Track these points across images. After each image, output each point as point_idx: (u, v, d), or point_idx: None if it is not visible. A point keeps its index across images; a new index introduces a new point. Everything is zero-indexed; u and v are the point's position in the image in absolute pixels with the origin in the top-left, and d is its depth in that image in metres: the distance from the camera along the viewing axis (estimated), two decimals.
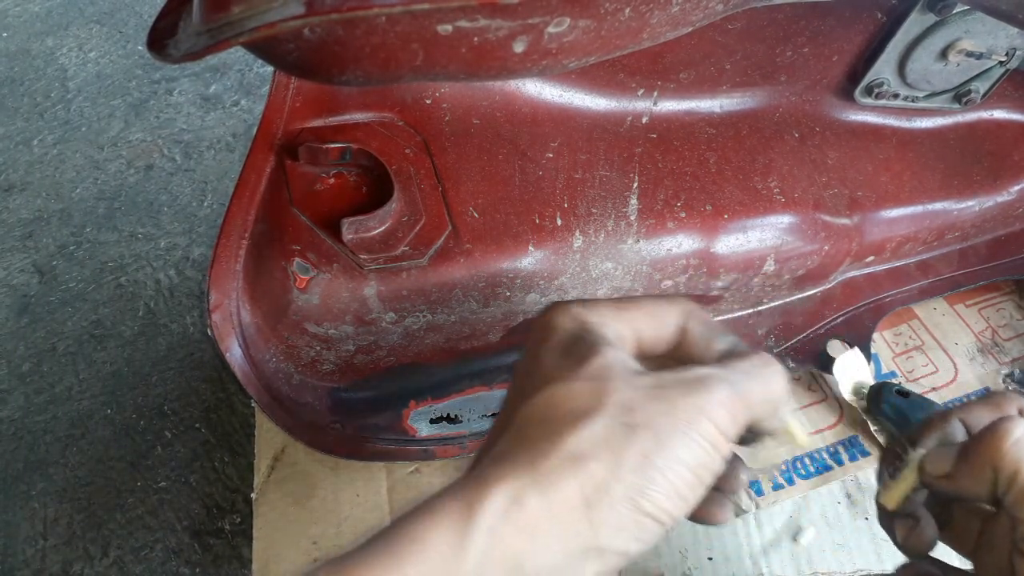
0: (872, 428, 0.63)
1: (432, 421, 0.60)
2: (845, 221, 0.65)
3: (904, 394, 0.62)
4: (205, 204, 1.17)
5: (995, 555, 0.35)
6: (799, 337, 0.67)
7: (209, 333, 0.52)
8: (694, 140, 0.64)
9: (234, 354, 0.53)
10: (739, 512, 0.60)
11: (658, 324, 0.35)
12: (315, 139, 0.55)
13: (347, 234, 0.53)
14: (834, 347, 0.66)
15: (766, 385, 0.32)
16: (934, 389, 0.68)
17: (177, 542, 0.85)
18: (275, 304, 0.56)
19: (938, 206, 0.69)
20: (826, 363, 0.65)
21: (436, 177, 0.57)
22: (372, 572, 0.26)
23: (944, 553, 0.39)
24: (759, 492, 0.61)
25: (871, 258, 0.69)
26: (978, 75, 0.63)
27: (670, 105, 0.63)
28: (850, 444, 0.64)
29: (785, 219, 0.63)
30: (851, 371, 0.64)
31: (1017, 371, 0.69)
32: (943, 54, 0.59)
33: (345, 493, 0.61)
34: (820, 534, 0.59)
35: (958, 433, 0.38)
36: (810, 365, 0.65)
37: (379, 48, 0.31)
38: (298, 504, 0.60)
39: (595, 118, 0.62)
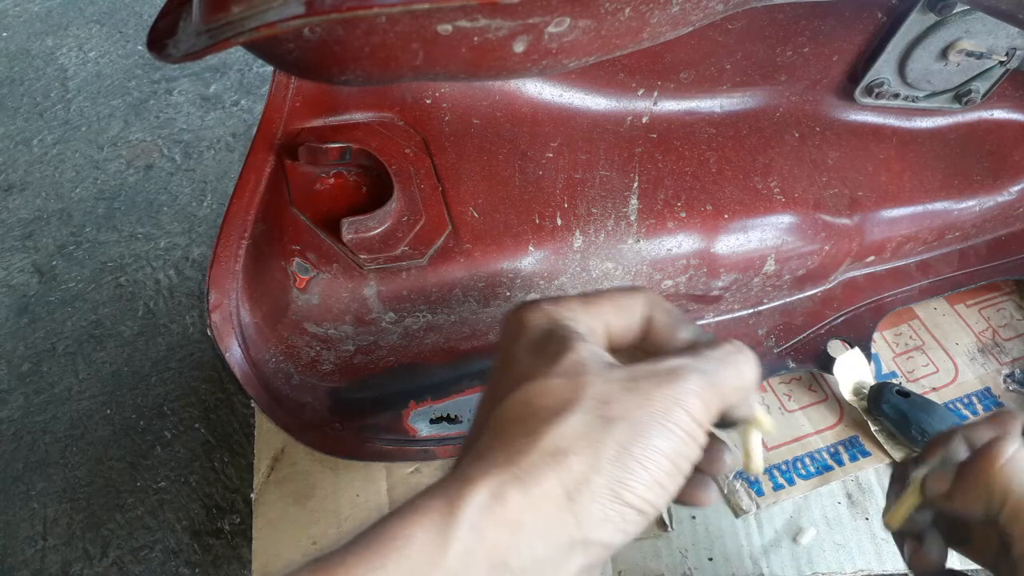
0: (872, 428, 0.63)
1: (432, 421, 0.60)
2: (845, 221, 0.65)
3: (904, 394, 0.62)
4: (205, 204, 1.17)
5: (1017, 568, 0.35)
6: (799, 337, 0.67)
7: (209, 333, 0.52)
8: (694, 140, 0.64)
9: (234, 354, 0.52)
10: (739, 512, 0.60)
11: (625, 315, 0.35)
12: (315, 139, 0.55)
13: (347, 234, 0.53)
14: (834, 347, 0.66)
15: (738, 373, 0.33)
16: (934, 389, 0.68)
17: (177, 542, 0.84)
18: (275, 304, 0.56)
19: (938, 206, 0.69)
20: (826, 363, 0.65)
21: (436, 177, 0.57)
22: (354, 570, 0.26)
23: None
24: (759, 492, 0.61)
25: (871, 258, 0.69)
26: (978, 75, 0.63)
27: (670, 105, 0.63)
28: (850, 444, 0.64)
29: (785, 219, 0.63)
30: (851, 371, 0.64)
31: (1017, 371, 0.69)
32: (943, 54, 0.59)
33: (345, 493, 0.60)
34: (820, 534, 0.59)
35: (961, 452, 0.38)
36: (810, 365, 0.65)
37: (379, 48, 0.31)
38: (298, 504, 0.60)
39: (595, 118, 0.61)
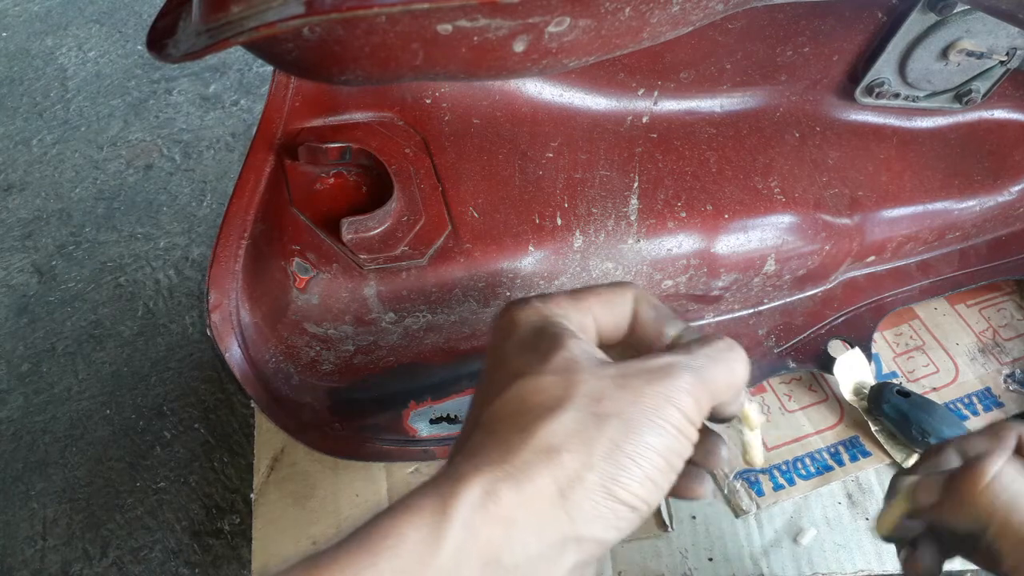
0: (873, 428, 0.63)
1: (432, 421, 0.60)
2: (846, 221, 0.65)
3: (905, 394, 0.62)
4: (204, 204, 1.17)
5: None
6: (800, 337, 0.67)
7: (208, 333, 0.52)
8: (694, 140, 0.63)
9: (233, 354, 0.52)
10: (739, 512, 0.60)
11: (614, 311, 0.35)
12: (315, 139, 0.54)
13: (347, 234, 0.53)
14: (835, 347, 0.66)
15: (729, 370, 0.33)
16: (935, 389, 0.68)
17: (176, 543, 0.84)
18: (275, 304, 0.56)
19: (939, 206, 0.69)
20: (827, 363, 0.65)
21: (436, 177, 0.57)
22: (346, 568, 0.26)
23: None
24: (759, 493, 0.61)
25: (872, 258, 0.69)
26: (979, 75, 0.63)
27: (670, 105, 0.63)
28: (851, 444, 0.64)
29: (786, 219, 0.63)
30: (852, 371, 0.64)
31: (1018, 371, 0.69)
32: (944, 54, 0.59)
33: (345, 493, 0.60)
34: (821, 534, 0.59)
35: (953, 463, 0.38)
36: (811, 365, 0.65)
37: (379, 48, 0.31)
38: (297, 504, 0.60)
39: (595, 118, 0.61)
